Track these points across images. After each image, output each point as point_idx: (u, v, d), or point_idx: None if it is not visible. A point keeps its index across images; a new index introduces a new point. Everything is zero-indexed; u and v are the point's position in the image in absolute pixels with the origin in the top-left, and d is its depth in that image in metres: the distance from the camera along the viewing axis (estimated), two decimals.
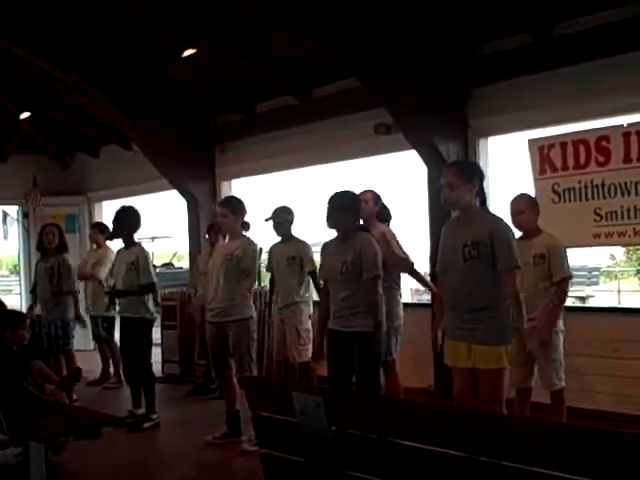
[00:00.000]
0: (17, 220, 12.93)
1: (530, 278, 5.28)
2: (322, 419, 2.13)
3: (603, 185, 6.41)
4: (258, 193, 11.47)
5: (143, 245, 7.31)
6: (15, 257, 16.21)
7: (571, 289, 17.50)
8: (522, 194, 5.80)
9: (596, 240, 6.56)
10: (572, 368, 5.68)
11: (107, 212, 12.61)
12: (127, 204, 7.27)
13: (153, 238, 24.32)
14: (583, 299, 15.23)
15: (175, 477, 5.67)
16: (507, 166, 8.35)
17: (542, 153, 6.81)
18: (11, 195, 12.56)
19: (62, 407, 5.23)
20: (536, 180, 6.86)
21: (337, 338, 5.38)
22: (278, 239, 7.08)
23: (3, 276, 29.69)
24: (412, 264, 6.39)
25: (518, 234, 5.46)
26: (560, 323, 5.50)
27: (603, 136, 6.40)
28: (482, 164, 7.30)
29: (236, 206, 6.29)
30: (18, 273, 14.94)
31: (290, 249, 6.92)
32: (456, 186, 4.45)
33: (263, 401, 2.38)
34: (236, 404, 6.24)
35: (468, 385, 4.51)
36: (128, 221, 7.01)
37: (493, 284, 4.38)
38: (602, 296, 16.36)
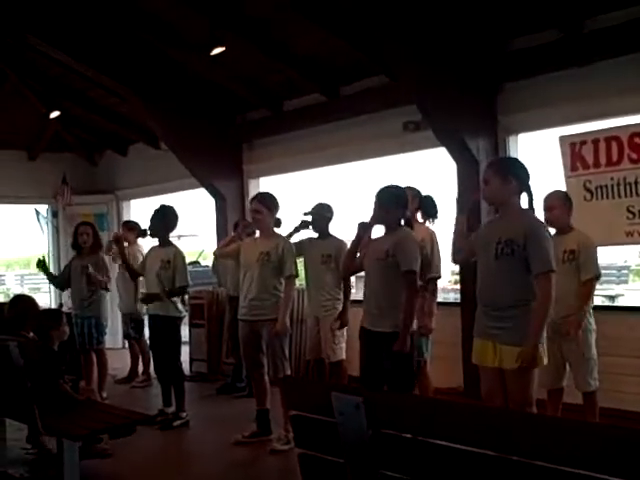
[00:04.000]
0: (46, 219, 13.03)
1: (560, 275, 5.22)
2: (362, 420, 2.12)
3: (636, 182, 6.33)
4: (286, 191, 11.47)
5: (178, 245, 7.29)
6: (44, 255, 16.37)
7: (600, 287, 17.25)
8: (554, 190, 5.78)
9: (629, 238, 6.48)
10: (602, 368, 5.61)
11: (135, 210, 12.69)
12: (166, 203, 7.28)
13: (179, 236, 24.38)
14: (612, 298, 15.05)
15: (205, 475, 5.69)
16: (538, 163, 8.26)
17: (574, 150, 6.74)
18: (41, 194, 12.66)
19: (95, 405, 5.27)
20: (567, 177, 6.79)
21: (368, 337, 5.27)
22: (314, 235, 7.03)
23: (32, 274, 29.96)
24: (437, 278, 6.16)
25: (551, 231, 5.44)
26: (592, 321, 5.45)
27: (636, 133, 6.32)
28: None
29: (271, 202, 6.22)
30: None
31: (326, 247, 6.82)
32: (490, 182, 4.41)
33: (302, 401, 2.36)
34: (266, 403, 6.23)
35: (495, 385, 4.44)
36: (167, 220, 7.03)
37: (524, 284, 4.28)
38: (632, 295, 16.16)
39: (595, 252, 5.51)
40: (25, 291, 21.79)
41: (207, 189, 10.31)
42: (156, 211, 7.05)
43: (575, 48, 6.59)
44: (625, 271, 17.42)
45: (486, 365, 4.45)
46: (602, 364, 5.62)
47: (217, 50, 7.92)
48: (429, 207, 6.28)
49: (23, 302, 6.13)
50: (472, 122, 7.27)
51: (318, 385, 2.84)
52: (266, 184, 10.43)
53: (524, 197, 4.48)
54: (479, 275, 4.56)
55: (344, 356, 6.86)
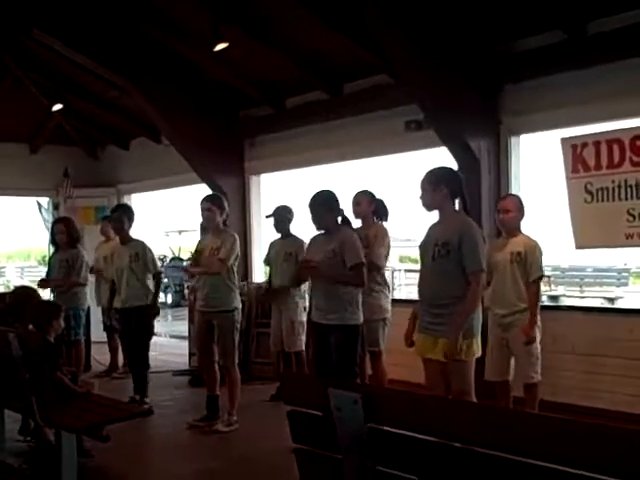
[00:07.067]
0: (48, 211, 13.03)
1: (507, 275, 5.65)
2: (359, 415, 2.13)
3: (637, 185, 6.33)
4: (287, 188, 11.50)
5: (142, 240, 7.66)
6: (43, 248, 16.38)
7: (600, 289, 17.25)
8: (511, 195, 6.21)
9: (629, 241, 6.48)
10: (601, 369, 5.64)
11: (137, 204, 12.69)
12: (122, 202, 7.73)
13: (180, 231, 24.35)
14: (612, 300, 15.07)
15: (197, 469, 5.70)
16: (539, 164, 8.29)
17: (575, 152, 6.73)
18: (42, 186, 12.71)
19: (94, 398, 5.28)
20: (568, 179, 6.79)
21: (318, 330, 5.74)
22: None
23: (32, 266, 30.03)
24: (378, 267, 6.51)
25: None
26: (537, 319, 5.73)
27: (638, 135, 6.32)
28: (514, 162, 7.30)
29: (221, 202, 6.71)
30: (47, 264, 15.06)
31: (288, 246, 7.38)
32: (424, 190, 4.76)
33: (299, 396, 2.38)
34: (216, 389, 6.68)
35: (437, 376, 4.71)
36: (125, 217, 7.50)
37: (459, 282, 4.59)
38: (632, 297, 16.15)
39: (540, 254, 5.79)
40: (25, 283, 21.80)
41: (208, 185, 10.30)
42: (112, 210, 7.58)
43: (578, 50, 6.60)
44: (625, 274, 17.37)
45: (428, 357, 4.73)
46: (601, 365, 5.66)
47: (221, 46, 7.93)
48: (381, 209, 6.74)
49: (24, 293, 6.15)
50: (474, 122, 7.29)
51: (315, 381, 2.85)
52: (267, 181, 10.46)
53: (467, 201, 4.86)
54: (419, 275, 4.95)
55: (303, 347, 7.35)
